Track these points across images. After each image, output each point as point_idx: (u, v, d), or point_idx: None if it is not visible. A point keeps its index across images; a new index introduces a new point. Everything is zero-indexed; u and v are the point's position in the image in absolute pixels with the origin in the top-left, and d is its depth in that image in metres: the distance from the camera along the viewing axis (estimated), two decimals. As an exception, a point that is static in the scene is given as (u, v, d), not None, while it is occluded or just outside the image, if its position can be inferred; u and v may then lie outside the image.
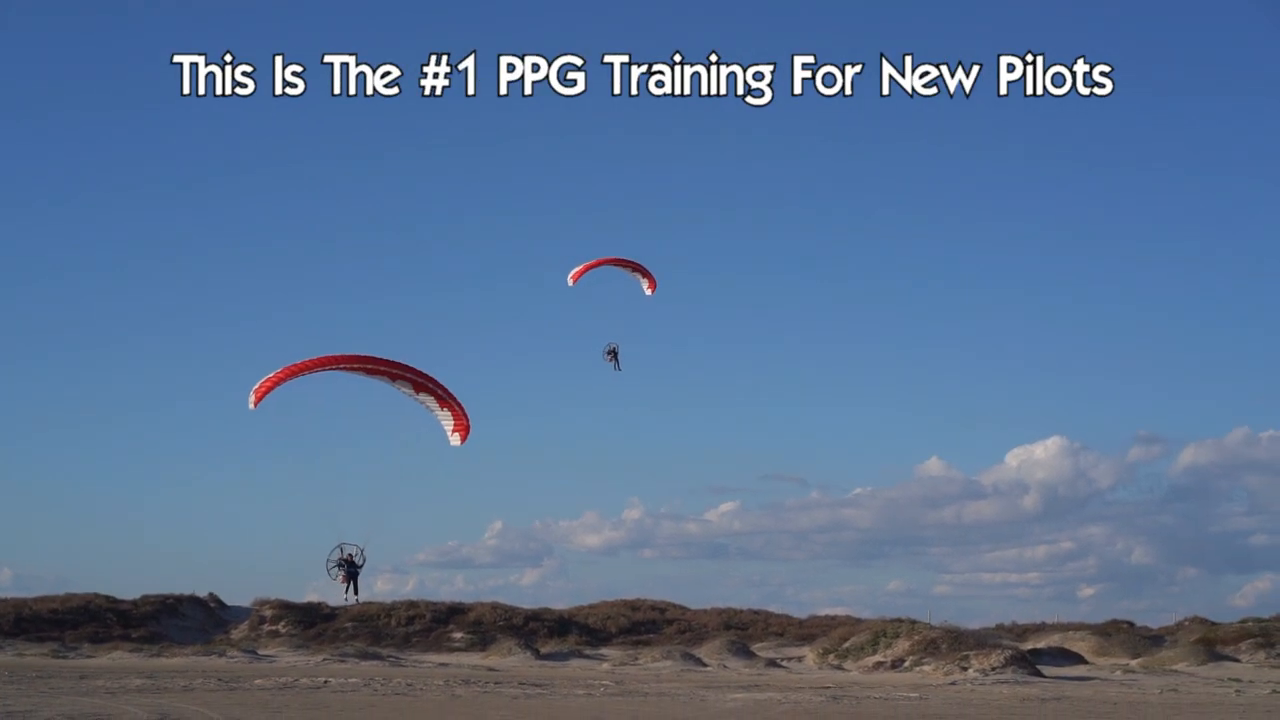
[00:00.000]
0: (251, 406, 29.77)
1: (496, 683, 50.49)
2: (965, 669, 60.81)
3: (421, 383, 30.93)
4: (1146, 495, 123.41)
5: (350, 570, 45.89)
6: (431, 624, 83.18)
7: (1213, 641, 74.93)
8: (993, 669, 60.10)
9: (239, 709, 35.04)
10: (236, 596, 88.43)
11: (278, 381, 29.59)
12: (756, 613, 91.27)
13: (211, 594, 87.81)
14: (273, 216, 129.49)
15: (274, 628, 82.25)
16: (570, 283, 38.76)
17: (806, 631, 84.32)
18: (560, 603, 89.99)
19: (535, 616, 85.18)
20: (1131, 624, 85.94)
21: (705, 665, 69.77)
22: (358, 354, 30.61)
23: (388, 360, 30.72)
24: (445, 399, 31.37)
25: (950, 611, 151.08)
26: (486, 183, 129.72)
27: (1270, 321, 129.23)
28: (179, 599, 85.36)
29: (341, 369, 30.29)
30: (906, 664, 65.36)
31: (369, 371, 30.52)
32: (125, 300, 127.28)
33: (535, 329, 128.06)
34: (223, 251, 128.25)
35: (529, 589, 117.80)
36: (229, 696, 40.29)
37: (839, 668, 68.39)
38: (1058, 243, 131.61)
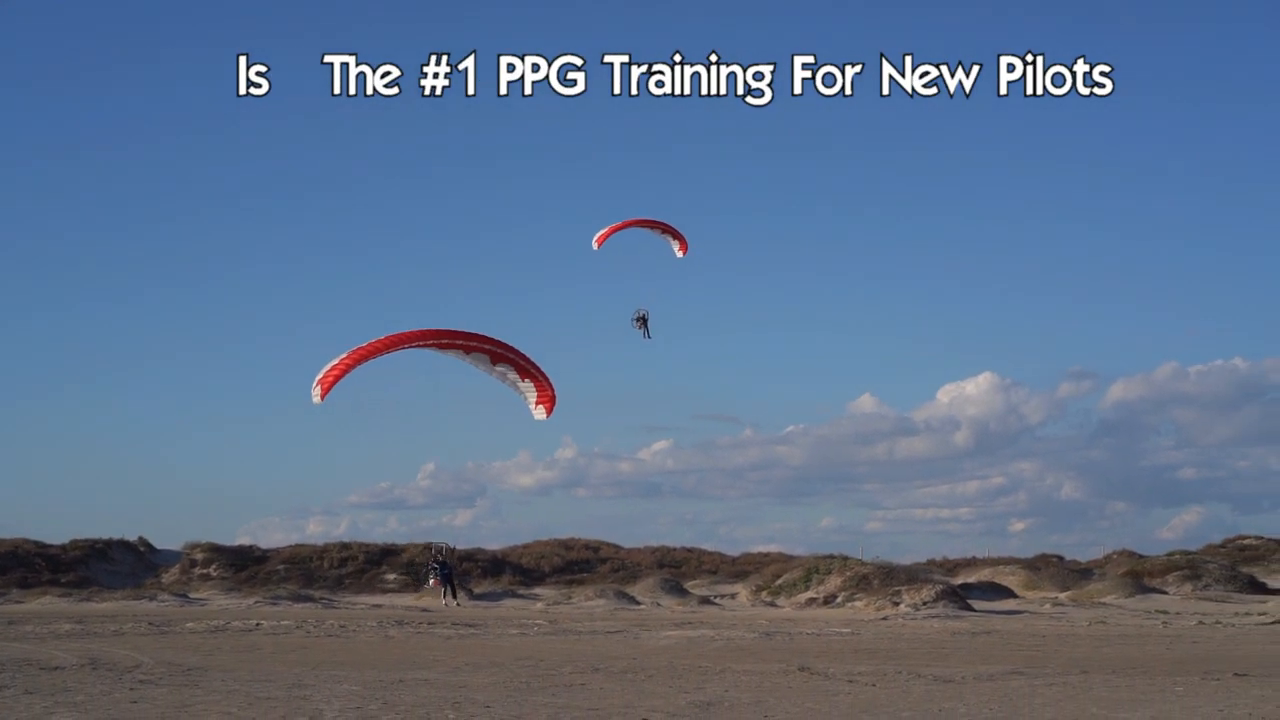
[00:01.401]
0: (317, 400, 27.02)
1: (430, 623, 50.39)
2: (897, 604, 61.25)
3: (500, 353, 28.71)
4: (1076, 430, 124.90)
5: (444, 573, 45.34)
6: (364, 565, 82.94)
7: (1140, 574, 75.81)
8: (924, 604, 60.56)
9: (170, 652, 34.77)
10: (166, 540, 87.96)
11: (346, 369, 26.95)
12: (690, 551, 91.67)
13: (141, 538, 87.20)
14: (264, 213, 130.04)
15: (205, 571, 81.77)
16: (595, 245, 37.51)
17: (739, 569, 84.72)
18: (494, 543, 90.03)
19: (469, 557, 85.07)
20: (1061, 558, 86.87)
21: (639, 603, 69.95)
22: (429, 329, 28.14)
23: (463, 332, 28.41)
24: (527, 369, 29.16)
25: (882, 547, 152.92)
26: (483, 180, 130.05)
27: (1198, 257, 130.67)
28: (108, 543, 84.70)
29: (413, 346, 27.78)
30: (839, 600, 65.75)
31: (442, 346, 28.12)
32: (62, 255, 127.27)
33: (474, 274, 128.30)
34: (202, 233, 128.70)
35: (462, 529, 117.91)
36: (160, 640, 40.00)
37: (772, 604, 68.72)
38: (989, 186, 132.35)
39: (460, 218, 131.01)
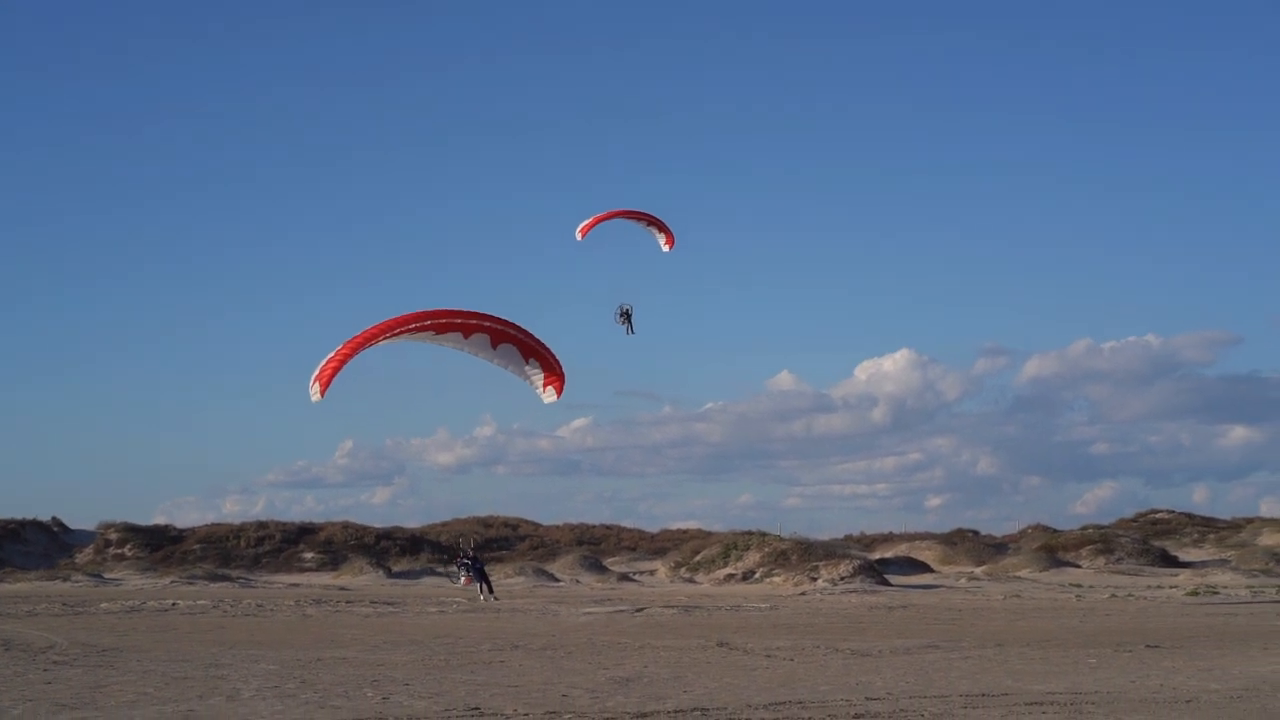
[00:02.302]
0: (317, 398, 25.09)
1: (348, 602, 50.19)
2: (814, 579, 61.60)
3: (502, 330, 26.05)
4: (992, 406, 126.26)
5: (476, 567, 44.94)
6: (281, 544, 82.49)
7: (1054, 548, 76.71)
8: (841, 579, 60.94)
9: (85, 633, 34.42)
10: (81, 520, 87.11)
11: (344, 361, 25.01)
12: (609, 528, 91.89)
13: (55, 518, 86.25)
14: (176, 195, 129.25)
15: (120, 551, 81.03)
16: (579, 236, 36.17)
17: (658, 545, 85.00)
18: (412, 521, 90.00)
19: (387, 535, 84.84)
20: (976, 533, 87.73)
21: (558, 580, 69.99)
22: (426, 310, 25.64)
23: (462, 311, 25.79)
24: (532, 348, 26.41)
25: (800, 523, 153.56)
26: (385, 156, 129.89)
27: (1109, 236, 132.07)
28: (21, 523, 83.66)
29: (410, 329, 25.44)
30: (757, 575, 66.07)
31: (440, 329, 25.50)
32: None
33: (383, 251, 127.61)
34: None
35: (380, 508, 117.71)
36: (74, 621, 39.57)
37: (691, 580, 68.94)
38: (901, 161, 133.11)
39: (381, 198, 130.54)
